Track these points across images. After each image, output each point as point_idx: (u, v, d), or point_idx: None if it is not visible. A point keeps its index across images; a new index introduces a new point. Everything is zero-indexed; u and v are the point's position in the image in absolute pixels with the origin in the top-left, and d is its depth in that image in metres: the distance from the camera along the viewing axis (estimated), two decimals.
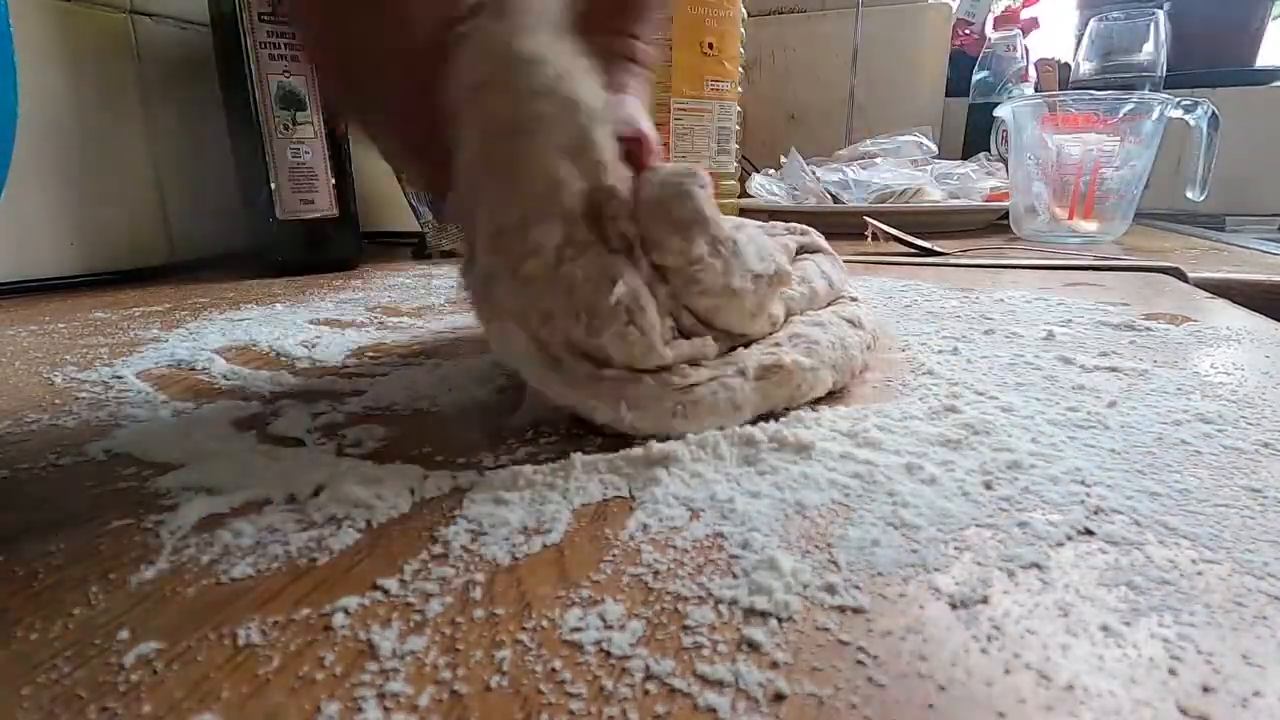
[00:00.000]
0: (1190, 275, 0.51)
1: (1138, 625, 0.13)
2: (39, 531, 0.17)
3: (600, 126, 0.21)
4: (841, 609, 0.13)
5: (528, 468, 0.19)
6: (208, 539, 0.16)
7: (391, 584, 0.14)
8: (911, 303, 0.43)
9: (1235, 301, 0.42)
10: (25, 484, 0.20)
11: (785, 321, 0.26)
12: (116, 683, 0.12)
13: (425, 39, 0.21)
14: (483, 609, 0.14)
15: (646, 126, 0.24)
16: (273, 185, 0.59)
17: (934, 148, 1.01)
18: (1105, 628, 0.13)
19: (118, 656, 0.12)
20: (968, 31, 1.22)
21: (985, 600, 0.14)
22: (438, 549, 0.16)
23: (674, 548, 0.16)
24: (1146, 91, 0.91)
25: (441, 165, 0.21)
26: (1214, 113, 0.69)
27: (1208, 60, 1.10)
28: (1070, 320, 0.37)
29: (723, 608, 0.13)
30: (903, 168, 0.90)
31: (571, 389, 0.21)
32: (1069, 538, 0.16)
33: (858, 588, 0.14)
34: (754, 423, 0.22)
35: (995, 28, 1.12)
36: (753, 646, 0.12)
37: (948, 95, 1.17)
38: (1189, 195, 0.74)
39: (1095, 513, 0.17)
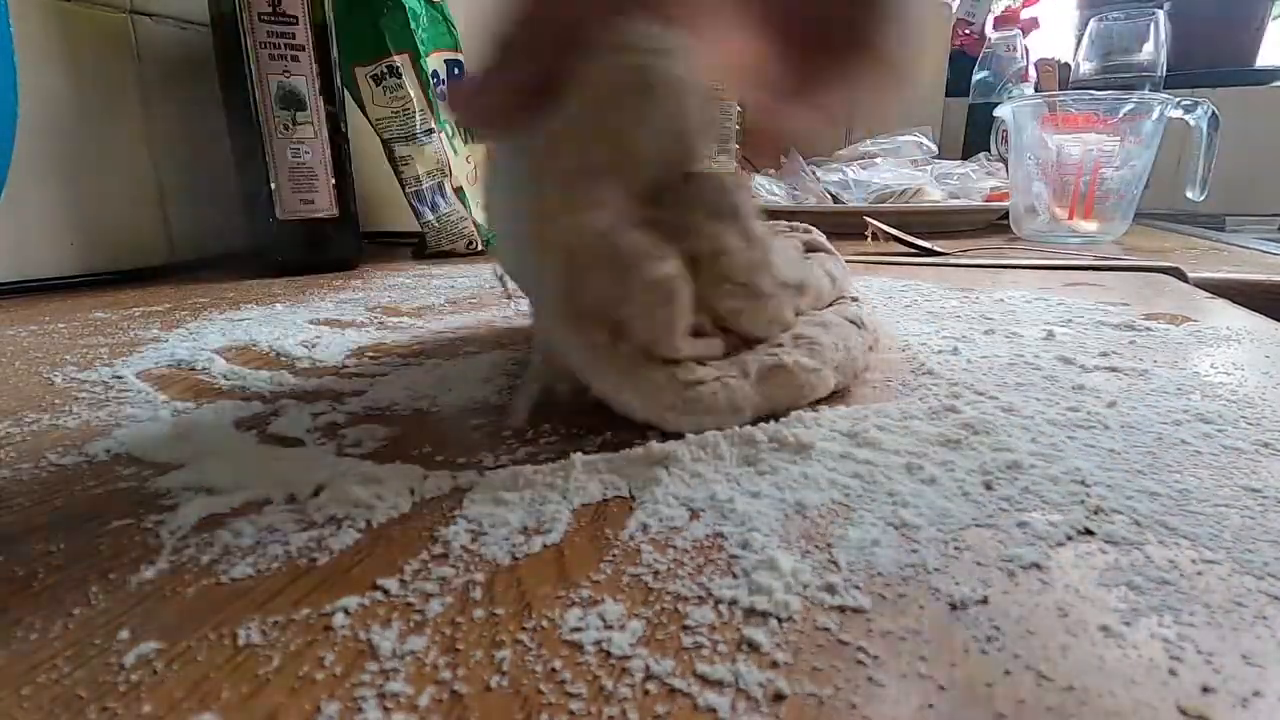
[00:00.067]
0: (1190, 275, 0.51)
1: (1138, 625, 0.13)
2: (39, 531, 0.17)
3: (707, 124, 0.22)
4: (841, 609, 0.13)
5: (528, 468, 0.19)
6: (208, 539, 0.16)
7: (391, 584, 0.14)
8: (911, 303, 0.43)
9: (1235, 301, 0.42)
10: (25, 484, 0.20)
11: None
12: (116, 683, 0.12)
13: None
14: (483, 609, 0.14)
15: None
16: (273, 185, 0.58)
17: (934, 148, 1.01)
18: (1105, 628, 0.13)
19: (118, 656, 0.12)
20: (968, 31, 1.22)
21: (985, 600, 0.14)
22: (438, 549, 0.16)
23: (674, 548, 0.16)
24: (1146, 91, 0.91)
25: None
26: (1214, 113, 0.70)
27: (1208, 60, 1.10)
28: (1070, 320, 0.37)
29: (723, 608, 0.13)
30: (903, 168, 0.90)
31: (583, 350, 0.21)
32: (1069, 538, 0.16)
33: (858, 588, 0.14)
34: (754, 423, 0.22)
35: (995, 28, 1.12)
36: (753, 646, 0.12)
37: (948, 95, 1.17)
38: (1189, 195, 0.74)
39: (1095, 513, 0.17)
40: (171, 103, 0.65)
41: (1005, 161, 0.88)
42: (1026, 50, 1.09)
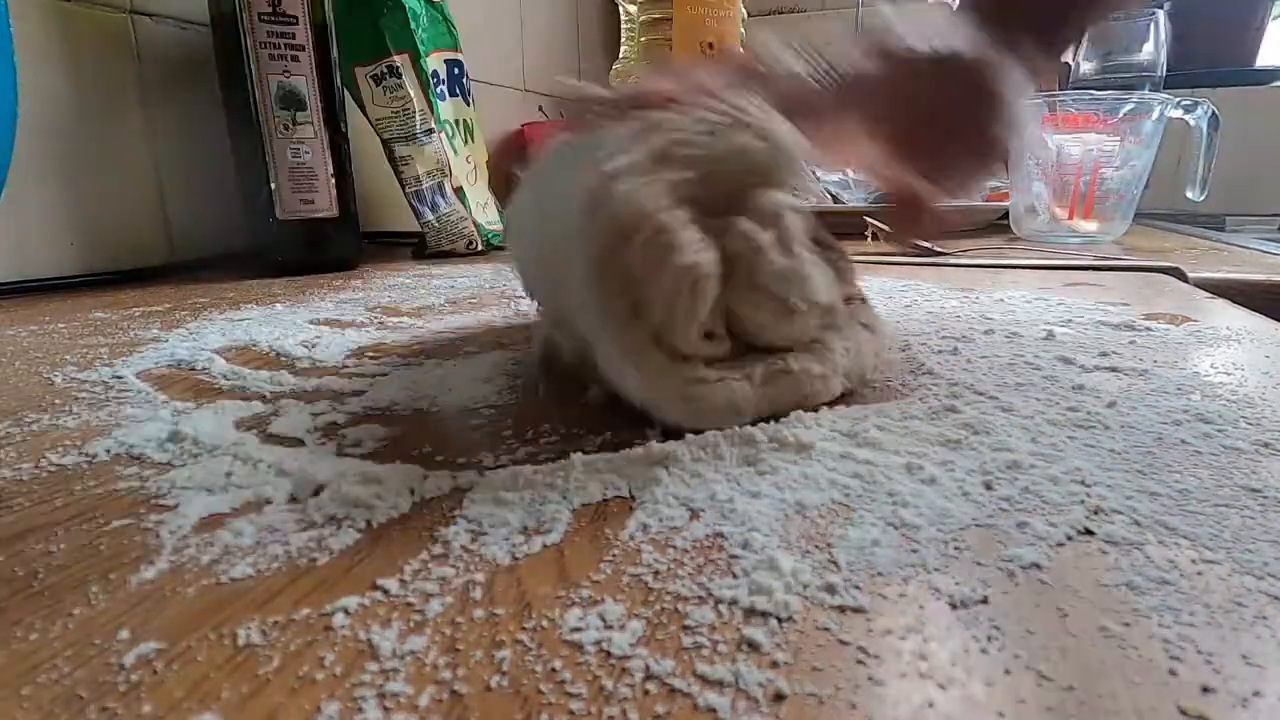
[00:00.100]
0: (1190, 275, 0.51)
1: (1137, 625, 0.13)
2: (39, 531, 0.17)
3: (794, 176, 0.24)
4: (841, 609, 0.13)
5: (528, 468, 0.19)
6: (208, 539, 0.16)
7: (391, 584, 0.14)
8: (911, 303, 0.43)
9: (1235, 301, 0.42)
10: (25, 484, 0.20)
11: None
12: (116, 683, 0.12)
13: None
14: (483, 609, 0.14)
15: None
16: (273, 185, 0.59)
17: None
18: (1105, 628, 0.13)
19: (118, 656, 0.12)
20: None
21: (985, 600, 0.14)
22: (438, 549, 0.16)
23: (674, 548, 0.16)
24: (1146, 91, 0.91)
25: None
26: (1214, 113, 0.70)
27: (1208, 60, 1.10)
28: (1070, 320, 0.37)
29: (723, 608, 0.13)
30: None
31: (601, 313, 0.22)
32: (1069, 538, 0.16)
33: (858, 588, 0.14)
34: (754, 423, 0.22)
35: None
36: (753, 646, 0.12)
37: None
38: (1189, 195, 0.74)
39: (1095, 513, 0.17)
40: (171, 103, 0.65)
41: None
42: None
